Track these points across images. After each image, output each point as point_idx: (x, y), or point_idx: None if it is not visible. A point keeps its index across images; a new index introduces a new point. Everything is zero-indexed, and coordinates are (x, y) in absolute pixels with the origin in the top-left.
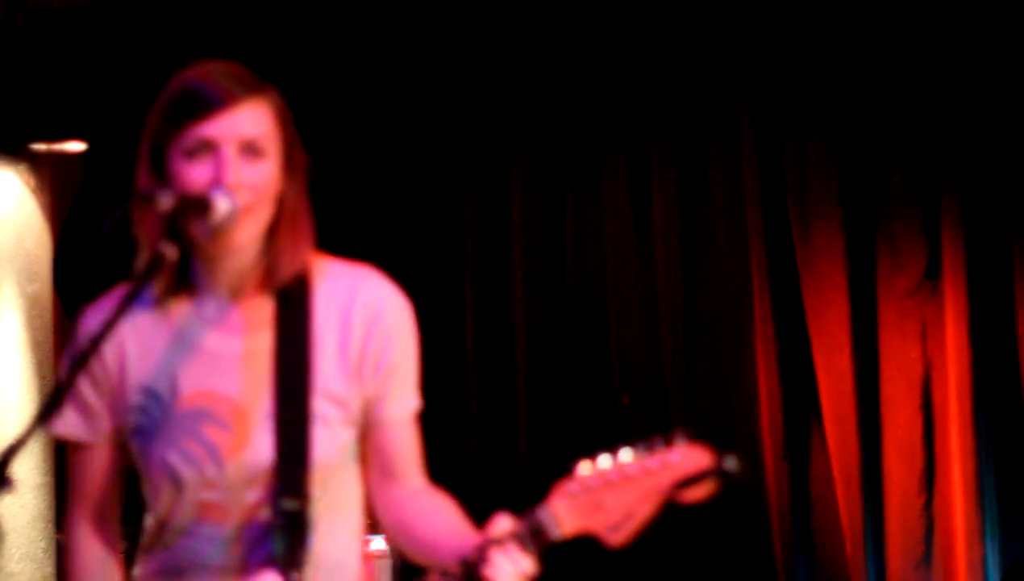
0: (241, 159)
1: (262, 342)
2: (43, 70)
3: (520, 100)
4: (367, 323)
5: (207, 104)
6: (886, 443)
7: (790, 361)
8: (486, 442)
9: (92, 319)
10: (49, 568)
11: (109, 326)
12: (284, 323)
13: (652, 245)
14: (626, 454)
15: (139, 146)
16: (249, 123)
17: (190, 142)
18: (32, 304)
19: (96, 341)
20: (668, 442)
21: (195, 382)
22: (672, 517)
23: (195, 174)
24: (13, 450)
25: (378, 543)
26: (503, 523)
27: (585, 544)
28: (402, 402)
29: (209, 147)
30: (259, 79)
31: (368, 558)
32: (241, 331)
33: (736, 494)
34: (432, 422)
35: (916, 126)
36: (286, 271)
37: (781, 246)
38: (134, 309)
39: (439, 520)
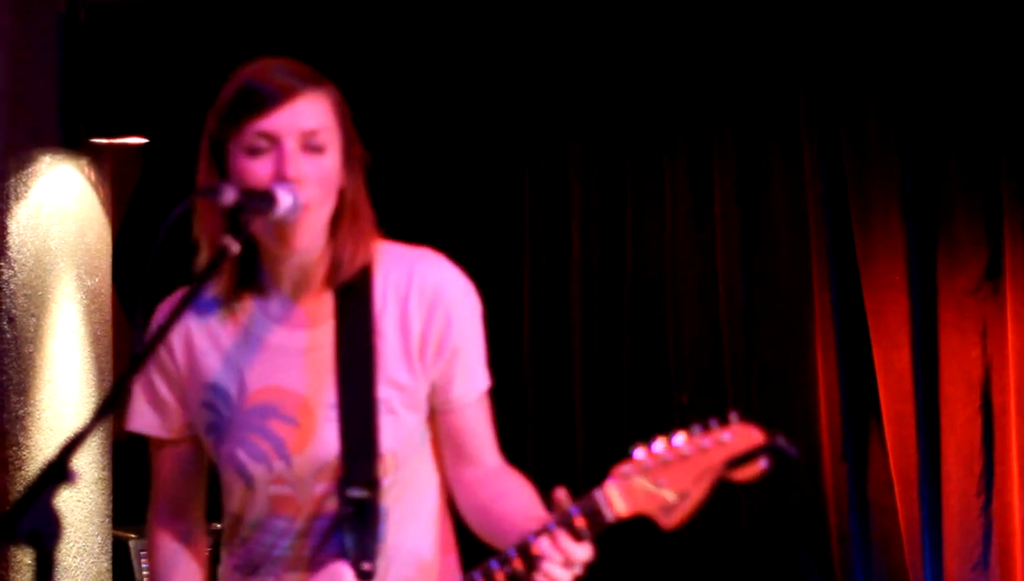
0: (303, 153)
1: (324, 334)
2: (104, 64)
3: (580, 88)
4: (426, 306)
5: (266, 99)
6: (945, 444)
7: (849, 360)
8: (542, 438)
9: (164, 315)
10: (105, 563)
11: (170, 322)
12: (344, 314)
13: (712, 242)
14: (680, 437)
15: (199, 144)
16: (309, 116)
17: (251, 137)
18: (91, 298)
19: (156, 338)
20: (720, 422)
21: (260, 378)
22: (729, 517)
23: (257, 169)
24: (74, 444)
25: None
26: (562, 494)
27: (641, 539)
28: (469, 383)
29: (270, 142)
30: (318, 73)
31: (450, 549)
32: (304, 325)
33: (794, 494)
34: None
35: (978, 123)
36: (349, 267)
37: (841, 243)
38: (202, 308)
39: (511, 501)
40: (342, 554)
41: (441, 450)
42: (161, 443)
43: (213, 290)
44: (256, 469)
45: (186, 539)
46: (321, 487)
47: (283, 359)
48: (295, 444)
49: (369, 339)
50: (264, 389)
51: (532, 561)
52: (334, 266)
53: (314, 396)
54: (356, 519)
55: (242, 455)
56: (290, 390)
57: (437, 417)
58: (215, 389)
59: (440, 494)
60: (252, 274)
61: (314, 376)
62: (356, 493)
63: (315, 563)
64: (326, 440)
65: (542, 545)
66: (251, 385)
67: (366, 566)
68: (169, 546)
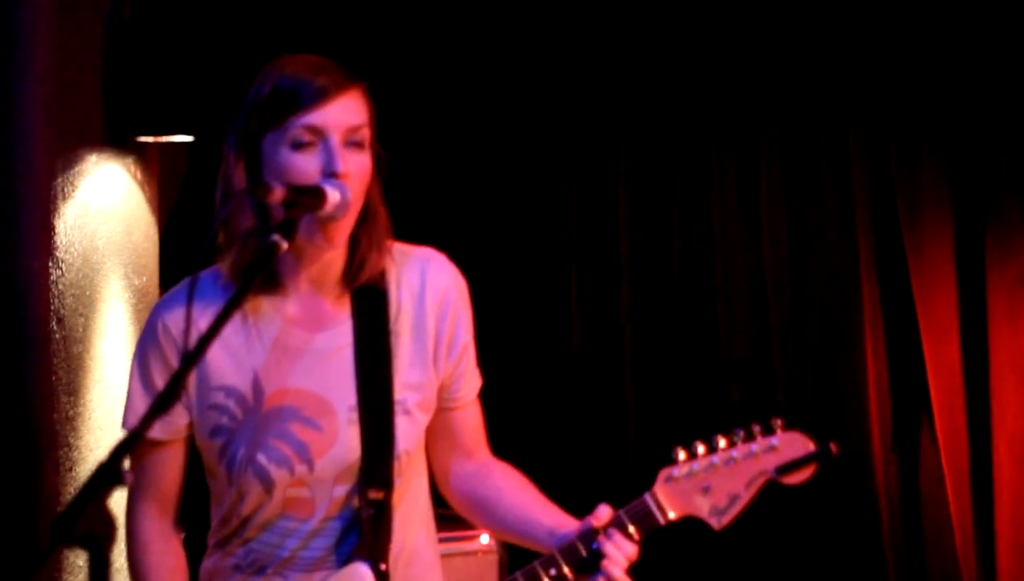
0: (346, 149)
1: (342, 336)
2: (149, 62)
3: (628, 88)
4: (439, 307)
5: (314, 93)
6: (996, 436)
7: (898, 352)
8: (593, 437)
9: (168, 314)
10: None
11: (221, 321)
12: (361, 315)
13: (759, 234)
14: (723, 441)
15: (228, 141)
16: (353, 113)
17: (297, 132)
18: (139, 297)
19: (208, 337)
20: (769, 428)
21: (279, 380)
22: (781, 511)
23: (303, 164)
24: (125, 446)
25: (484, 538)
26: (605, 511)
27: (691, 532)
28: (473, 380)
29: (316, 136)
30: (351, 71)
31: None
32: (322, 327)
33: (845, 487)
34: (540, 417)
35: None
36: (373, 269)
37: (889, 236)
38: (211, 306)
39: (520, 495)
40: (357, 555)
41: (436, 445)
42: (154, 443)
43: (223, 289)
44: (278, 473)
45: (172, 537)
46: (340, 489)
47: (301, 361)
48: (318, 448)
49: (386, 341)
50: (282, 391)
51: (581, 563)
52: (355, 267)
53: (334, 398)
54: (373, 520)
55: (263, 459)
56: (310, 392)
57: (438, 414)
58: (227, 391)
59: (429, 491)
60: (271, 273)
61: (334, 378)
62: (374, 494)
63: (331, 564)
64: (349, 443)
65: (606, 547)
66: (268, 387)
67: (383, 566)
68: (158, 545)
